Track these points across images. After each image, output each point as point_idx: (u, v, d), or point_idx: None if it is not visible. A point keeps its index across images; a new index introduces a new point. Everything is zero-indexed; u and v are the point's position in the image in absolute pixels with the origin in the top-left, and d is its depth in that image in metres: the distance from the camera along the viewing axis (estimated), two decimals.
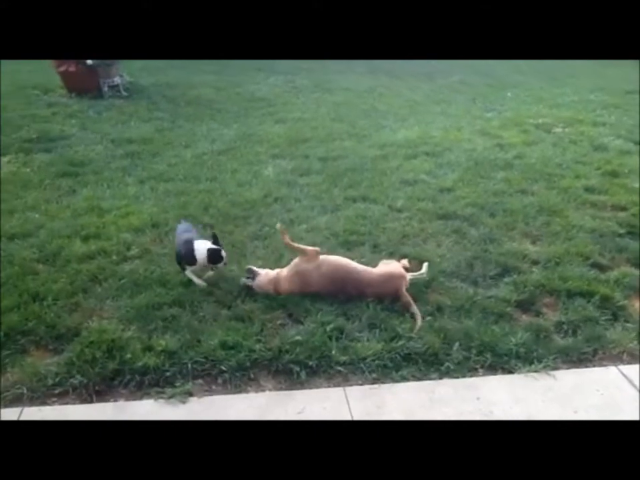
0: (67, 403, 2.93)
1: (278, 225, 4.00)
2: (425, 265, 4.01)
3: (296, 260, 3.80)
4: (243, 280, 3.79)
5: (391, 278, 3.71)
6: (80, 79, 8.84)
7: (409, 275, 3.81)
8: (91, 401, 2.95)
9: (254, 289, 3.75)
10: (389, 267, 3.84)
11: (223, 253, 3.78)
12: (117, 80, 9.15)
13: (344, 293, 3.69)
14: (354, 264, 3.80)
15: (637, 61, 13.13)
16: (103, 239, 4.44)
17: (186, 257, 3.79)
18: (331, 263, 3.76)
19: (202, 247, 3.76)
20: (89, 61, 8.61)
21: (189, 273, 3.83)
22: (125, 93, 9.19)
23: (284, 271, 3.79)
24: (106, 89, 8.98)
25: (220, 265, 3.81)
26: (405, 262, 4.03)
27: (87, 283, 3.85)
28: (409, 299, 3.63)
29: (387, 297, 3.66)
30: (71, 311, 3.57)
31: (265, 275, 3.78)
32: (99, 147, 6.72)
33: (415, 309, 3.57)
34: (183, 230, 4.07)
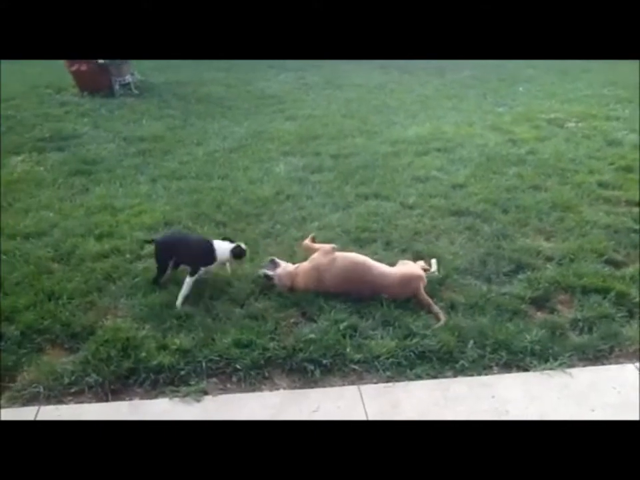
0: (82, 402, 2.95)
1: (311, 236, 4.04)
2: (434, 261, 4.01)
3: (313, 255, 3.81)
4: (263, 270, 3.81)
5: (410, 280, 3.68)
6: (92, 78, 8.88)
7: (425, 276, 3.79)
8: (107, 400, 2.97)
9: (273, 279, 3.76)
10: (407, 268, 3.81)
11: (244, 246, 3.81)
12: (129, 78, 9.19)
13: (359, 293, 3.67)
14: (371, 262, 3.77)
15: None
16: (117, 237, 4.46)
17: (205, 256, 3.75)
18: (347, 260, 3.74)
19: (222, 245, 3.77)
20: (101, 60, 8.65)
21: (189, 280, 3.69)
22: (136, 91, 9.22)
23: (301, 266, 3.80)
24: (117, 87, 9.02)
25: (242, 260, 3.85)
26: (422, 263, 3.98)
27: (101, 282, 3.88)
28: (429, 299, 3.62)
29: (403, 298, 3.65)
30: (86, 309, 3.60)
31: (285, 267, 3.81)
32: (111, 145, 6.76)
33: (436, 308, 3.57)
34: (176, 234, 4.21)
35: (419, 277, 3.70)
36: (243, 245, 3.82)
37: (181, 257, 3.83)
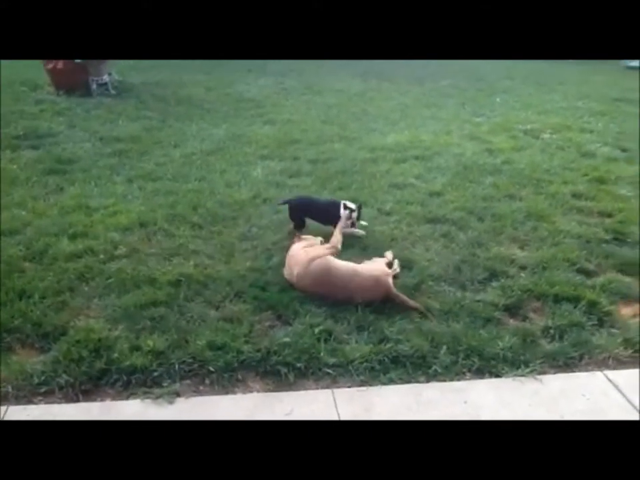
0: (52, 402, 2.90)
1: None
2: (392, 259, 4.12)
3: (309, 249, 3.92)
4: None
5: (380, 281, 3.70)
6: (68, 77, 8.79)
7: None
8: (77, 400, 2.92)
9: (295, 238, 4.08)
10: (375, 268, 3.83)
11: (353, 205, 4.49)
12: (106, 78, 9.12)
13: (332, 295, 3.68)
14: (339, 264, 3.79)
15: (624, 69, 13.32)
16: (91, 237, 4.41)
17: (333, 215, 4.45)
18: (318, 264, 3.76)
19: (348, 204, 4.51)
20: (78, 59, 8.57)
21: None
22: (113, 92, 9.15)
23: (301, 252, 3.89)
24: (94, 86, 8.94)
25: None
26: (388, 255, 4.10)
27: (74, 282, 3.82)
28: (403, 297, 3.65)
29: (378, 300, 3.65)
30: (58, 309, 3.54)
31: (309, 242, 4.03)
32: (86, 144, 6.69)
33: (411, 302, 3.62)
34: (305, 197, 4.91)
35: (386, 274, 3.74)
36: (352, 205, 4.50)
37: (312, 216, 4.65)
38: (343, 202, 4.54)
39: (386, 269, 3.83)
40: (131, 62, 11.32)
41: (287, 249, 4.07)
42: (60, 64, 8.68)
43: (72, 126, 7.39)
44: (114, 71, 9.60)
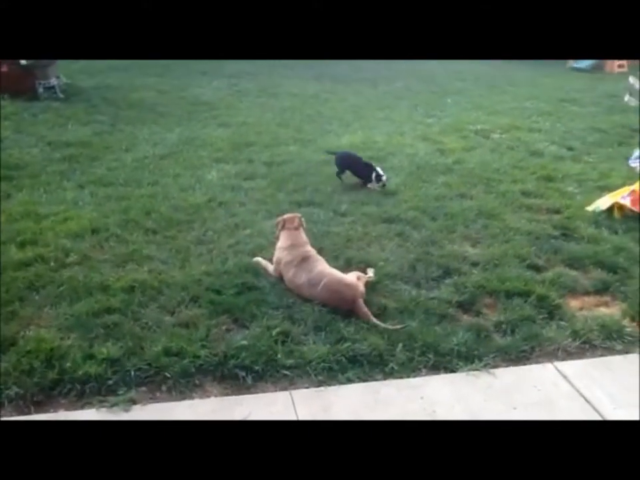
0: (2, 416, 2.81)
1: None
2: (370, 270, 4.09)
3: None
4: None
5: (350, 288, 3.68)
6: (14, 80, 8.55)
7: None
8: (29, 412, 2.84)
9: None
10: (353, 277, 3.84)
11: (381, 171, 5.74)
12: (54, 81, 8.90)
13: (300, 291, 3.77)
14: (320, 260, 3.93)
15: (570, 70, 13.72)
16: (41, 245, 4.29)
17: (368, 176, 5.76)
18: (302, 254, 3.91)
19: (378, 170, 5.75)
20: (23, 61, 8.34)
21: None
22: (61, 95, 8.94)
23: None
24: (41, 90, 8.72)
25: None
26: (367, 275, 4.02)
27: (24, 291, 3.72)
28: (366, 310, 3.61)
29: (342, 306, 3.64)
30: (7, 319, 3.44)
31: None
32: (34, 150, 6.52)
33: (374, 320, 3.56)
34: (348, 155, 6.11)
35: (359, 287, 3.73)
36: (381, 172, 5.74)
37: (351, 169, 5.93)
38: (376, 167, 5.78)
39: (358, 282, 3.79)
40: (81, 65, 11.08)
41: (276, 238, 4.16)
42: (4, 67, 8.43)
43: (18, 131, 7.18)
44: (62, 74, 9.37)
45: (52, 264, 4.03)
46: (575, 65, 13.94)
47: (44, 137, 6.96)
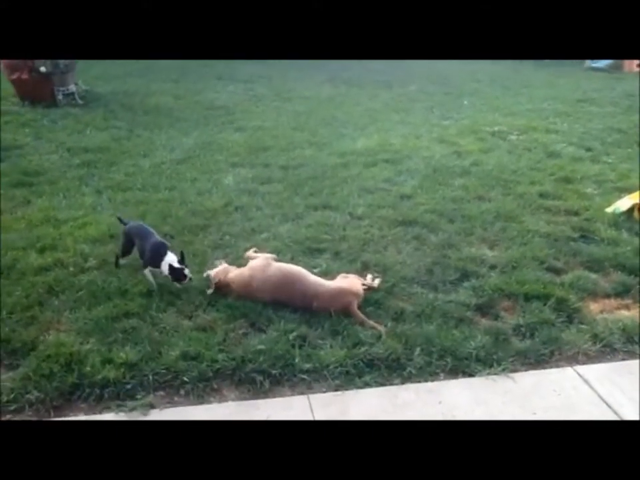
0: (23, 420, 2.84)
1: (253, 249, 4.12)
2: (371, 277, 4.04)
3: (250, 262, 3.90)
4: (208, 272, 3.88)
5: (343, 294, 3.66)
6: (33, 87, 8.66)
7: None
8: (49, 417, 2.87)
9: (209, 275, 3.81)
10: (343, 281, 3.81)
11: (187, 272, 3.81)
12: (72, 88, 9.00)
13: (290, 302, 3.67)
14: (305, 273, 3.77)
15: (587, 70, 13.59)
16: (60, 250, 4.34)
17: (153, 260, 3.85)
18: (279, 269, 3.77)
19: (171, 259, 3.80)
20: (43, 68, 8.46)
21: (147, 272, 3.89)
22: (80, 101, 9.04)
23: (237, 270, 3.86)
24: (60, 97, 8.82)
25: (184, 282, 3.84)
26: (363, 279, 3.95)
27: (44, 296, 3.76)
28: (362, 316, 3.59)
29: (337, 312, 3.61)
30: (27, 324, 3.48)
31: (225, 268, 3.88)
32: (53, 156, 6.59)
33: (370, 323, 3.54)
34: (139, 229, 4.08)
35: (352, 293, 3.68)
36: (185, 268, 3.83)
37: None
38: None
39: (355, 286, 3.75)
40: (98, 71, 11.21)
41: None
42: (25, 74, 8.55)
43: (38, 137, 7.28)
44: (80, 80, 9.48)
45: (71, 269, 4.08)
46: (593, 65, 13.79)
47: (63, 143, 7.04)
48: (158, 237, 4.03)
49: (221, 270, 3.85)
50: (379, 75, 12.20)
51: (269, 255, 3.96)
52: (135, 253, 4.03)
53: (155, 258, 3.84)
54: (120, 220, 4.23)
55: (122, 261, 4.12)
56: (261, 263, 3.81)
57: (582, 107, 9.73)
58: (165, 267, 3.78)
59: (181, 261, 3.81)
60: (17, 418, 2.85)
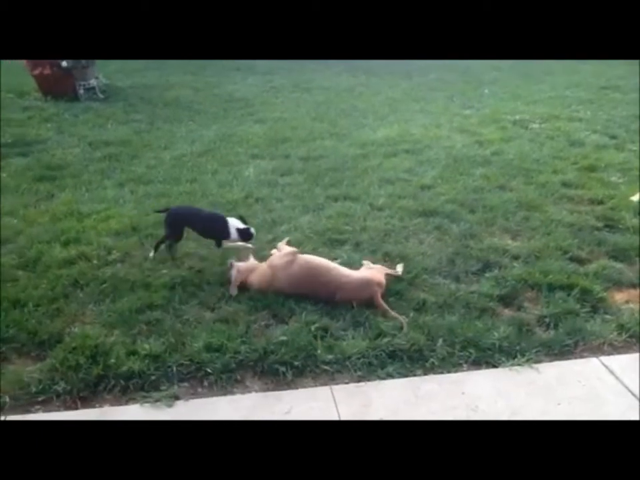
0: (50, 411, 2.89)
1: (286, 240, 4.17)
2: (399, 266, 4.03)
3: (272, 256, 3.89)
4: (231, 260, 3.93)
5: (367, 284, 3.66)
6: (55, 82, 8.75)
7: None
8: (76, 408, 2.91)
9: (233, 266, 3.83)
10: (367, 272, 3.80)
11: (252, 230, 4.10)
12: (93, 82, 9.07)
13: (314, 294, 3.66)
14: (330, 265, 3.76)
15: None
16: (83, 243, 4.39)
17: (222, 232, 4.07)
18: (303, 261, 3.75)
19: (235, 223, 4.07)
20: (64, 63, 8.54)
21: (230, 244, 4.10)
22: (101, 95, 9.11)
23: (259, 265, 3.88)
24: (82, 91, 8.90)
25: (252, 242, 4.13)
26: (386, 269, 3.93)
27: (68, 288, 3.81)
28: (385, 306, 3.59)
29: (361, 303, 3.62)
30: (53, 316, 3.53)
31: (247, 263, 3.90)
32: (76, 150, 6.66)
33: (392, 314, 3.54)
34: (186, 210, 4.39)
35: (376, 283, 3.67)
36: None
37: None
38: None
39: (378, 277, 3.74)
40: (118, 65, 11.28)
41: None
42: (47, 69, 8.63)
43: (60, 132, 7.36)
44: (101, 74, 9.55)
45: (95, 262, 4.13)
46: None
47: (85, 136, 7.11)
48: (208, 210, 4.31)
49: (244, 268, 3.84)
50: (398, 64, 12.09)
51: (289, 249, 3.94)
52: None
53: (223, 228, 4.05)
54: (159, 211, 4.37)
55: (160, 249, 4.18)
56: (283, 259, 3.77)
57: (605, 94, 9.56)
58: (233, 232, 4.02)
59: (244, 221, 4.09)
60: (45, 409, 2.90)
